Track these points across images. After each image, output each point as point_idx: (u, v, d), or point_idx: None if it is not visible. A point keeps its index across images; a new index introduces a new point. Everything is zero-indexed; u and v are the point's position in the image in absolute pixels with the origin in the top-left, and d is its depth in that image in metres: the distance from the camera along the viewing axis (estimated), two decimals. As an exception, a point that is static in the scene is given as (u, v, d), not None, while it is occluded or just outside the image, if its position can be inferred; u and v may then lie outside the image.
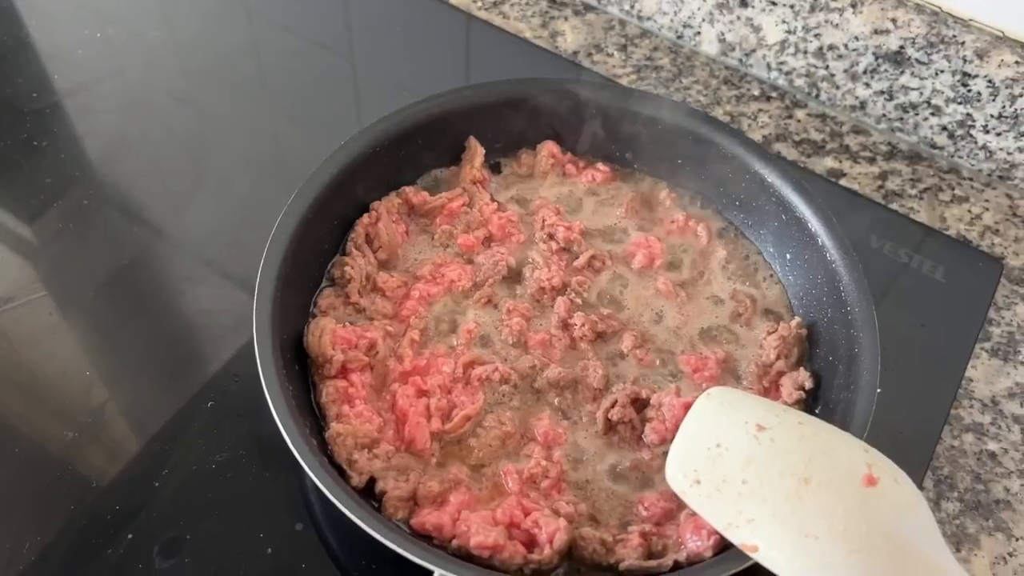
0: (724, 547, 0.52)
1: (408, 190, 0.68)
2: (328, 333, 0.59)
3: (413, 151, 0.69)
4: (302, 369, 0.59)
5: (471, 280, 0.65)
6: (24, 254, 0.73)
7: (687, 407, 0.56)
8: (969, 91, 0.75)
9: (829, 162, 0.80)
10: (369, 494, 0.54)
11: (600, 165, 0.72)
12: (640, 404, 0.59)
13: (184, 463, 0.60)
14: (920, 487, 0.61)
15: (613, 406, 0.58)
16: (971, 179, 0.80)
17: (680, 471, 0.51)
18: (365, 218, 0.66)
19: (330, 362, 0.58)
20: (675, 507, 0.55)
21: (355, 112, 0.86)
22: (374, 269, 0.64)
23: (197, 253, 0.73)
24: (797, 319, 0.63)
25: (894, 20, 0.75)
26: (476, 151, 0.70)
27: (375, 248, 0.65)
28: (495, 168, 0.72)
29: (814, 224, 0.63)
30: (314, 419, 0.57)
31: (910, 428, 0.64)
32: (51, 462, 0.60)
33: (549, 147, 0.72)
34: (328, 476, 0.50)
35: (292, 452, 0.51)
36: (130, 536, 0.56)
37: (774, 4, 0.80)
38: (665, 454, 0.56)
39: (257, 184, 0.78)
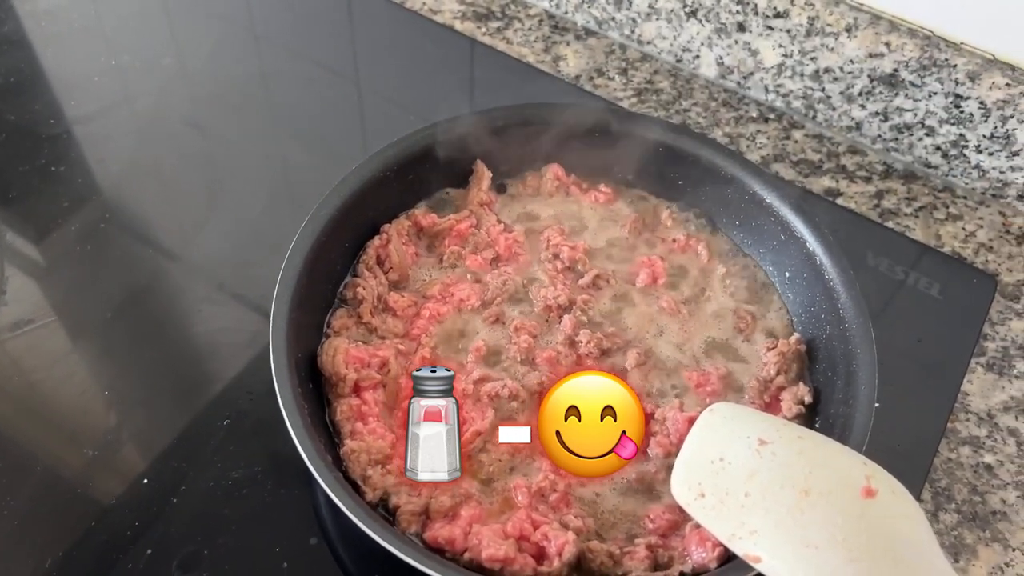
0: (728, 558, 0.53)
1: (417, 212, 0.70)
2: (341, 353, 0.60)
3: (421, 174, 0.71)
4: (316, 388, 0.61)
5: (479, 299, 0.66)
6: (40, 277, 0.75)
7: (690, 421, 0.58)
8: (962, 112, 0.77)
9: (826, 181, 0.82)
10: (382, 509, 0.56)
11: (602, 186, 0.74)
12: (645, 419, 0.61)
13: (201, 480, 0.61)
14: (918, 499, 0.62)
15: None
16: (965, 197, 0.82)
17: (685, 485, 0.53)
18: (376, 240, 0.67)
19: (343, 380, 0.60)
20: (680, 519, 0.56)
21: (360, 135, 0.88)
22: (385, 290, 0.66)
23: (210, 275, 0.75)
24: (796, 335, 0.65)
25: (888, 44, 0.77)
26: (483, 174, 0.72)
27: (386, 269, 0.67)
28: (501, 189, 0.74)
29: (812, 243, 0.65)
30: (328, 436, 0.58)
31: (908, 441, 0.65)
32: (70, 481, 0.62)
33: (554, 169, 0.74)
34: (344, 492, 0.51)
35: (307, 468, 0.52)
36: (149, 551, 0.58)
37: (771, 29, 0.82)
38: (669, 467, 0.58)
39: (267, 207, 0.80)
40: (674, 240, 0.71)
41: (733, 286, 0.69)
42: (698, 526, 0.54)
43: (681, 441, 0.58)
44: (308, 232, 0.62)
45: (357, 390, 0.60)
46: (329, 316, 0.64)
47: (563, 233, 0.70)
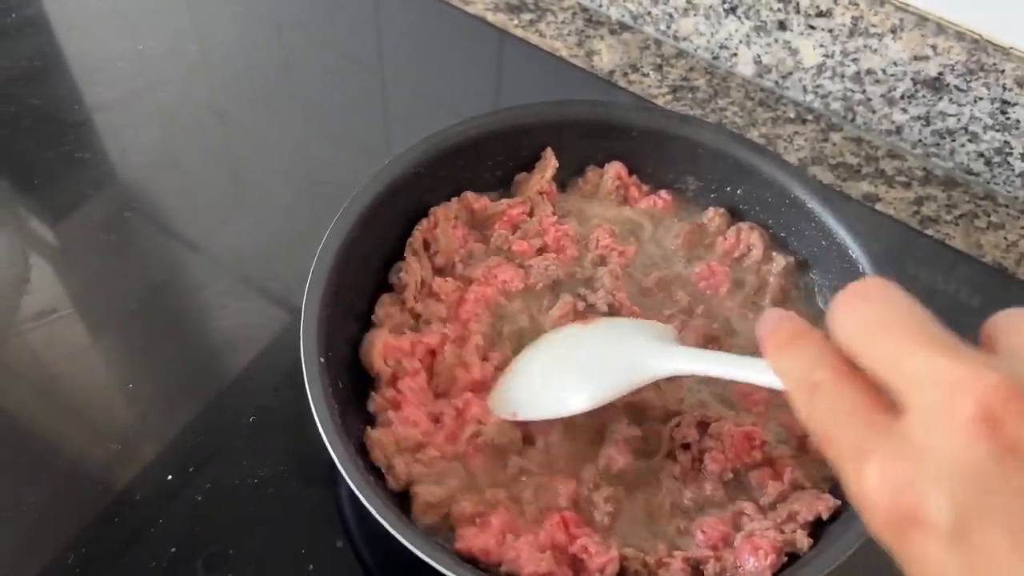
0: (782, 567, 0.52)
1: (469, 195, 0.68)
2: (379, 347, 0.59)
3: (456, 170, 0.68)
4: (359, 379, 0.60)
5: (523, 282, 0.65)
6: (63, 266, 0.73)
7: (747, 436, 0.57)
8: (1008, 119, 0.75)
9: (865, 186, 0.80)
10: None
11: (663, 192, 0.71)
12: (701, 428, 0.59)
13: (226, 478, 0.60)
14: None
15: (678, 426, 0.58)
16: (1007, 206, 0.80)
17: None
18: (424, 223, 0.66)
19: (381, 374, 0.59)
20: (731, 531, 0.55)
21: (384, 127, 0.86)
22: (429, 274, 0.65)
23: (235, 268, 0.73)
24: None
25: (934, 47, 0.75)
26: (549, 162, 0.70)
27: (432, 253, 0.66)
28: (560, 186, 0.72)
29: (855, 251, 0.63)
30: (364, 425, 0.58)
31: (948, 456, 0.64)
32: (92, 476, 0.61)
33: (617, 168, 0.71)
34: (374, 495, 0.50)
35: (334, 469, 0.51)
36: (173, 550, 0.57)
37: (812, 28, 0.80)
38: (726, 484, 0.57)
39: (292, 199, 0.78)
40: (725, 238, 0.68)
41: (785, 284, 0.66)
42: (750, 536, 0.53)
43: (738, 456, 0.56)
44: (340, 228, 0.60)
45: (394, 380, 0.59)
46: (376, 304, 0.63)
47: (613, 235, 0.68)
